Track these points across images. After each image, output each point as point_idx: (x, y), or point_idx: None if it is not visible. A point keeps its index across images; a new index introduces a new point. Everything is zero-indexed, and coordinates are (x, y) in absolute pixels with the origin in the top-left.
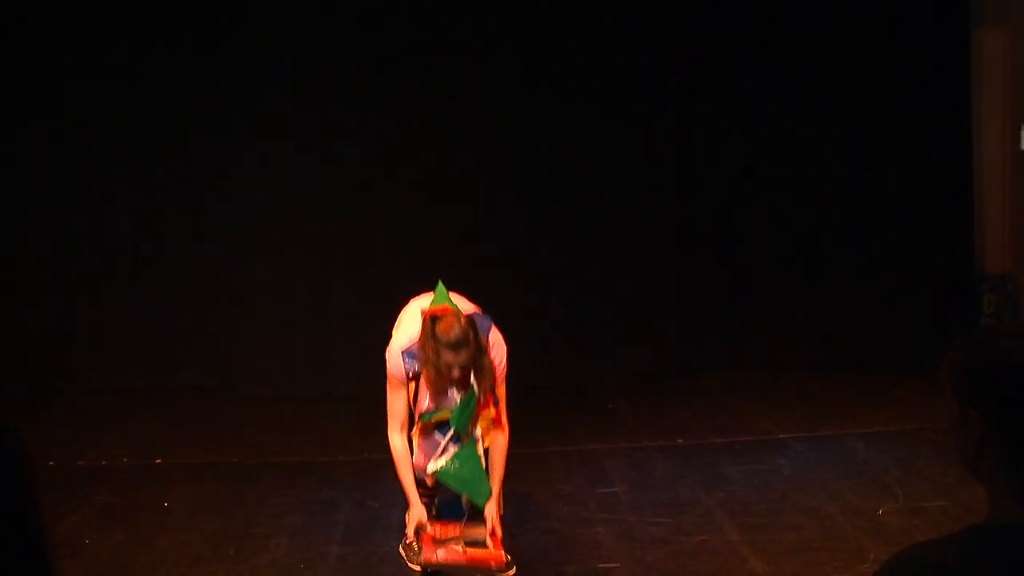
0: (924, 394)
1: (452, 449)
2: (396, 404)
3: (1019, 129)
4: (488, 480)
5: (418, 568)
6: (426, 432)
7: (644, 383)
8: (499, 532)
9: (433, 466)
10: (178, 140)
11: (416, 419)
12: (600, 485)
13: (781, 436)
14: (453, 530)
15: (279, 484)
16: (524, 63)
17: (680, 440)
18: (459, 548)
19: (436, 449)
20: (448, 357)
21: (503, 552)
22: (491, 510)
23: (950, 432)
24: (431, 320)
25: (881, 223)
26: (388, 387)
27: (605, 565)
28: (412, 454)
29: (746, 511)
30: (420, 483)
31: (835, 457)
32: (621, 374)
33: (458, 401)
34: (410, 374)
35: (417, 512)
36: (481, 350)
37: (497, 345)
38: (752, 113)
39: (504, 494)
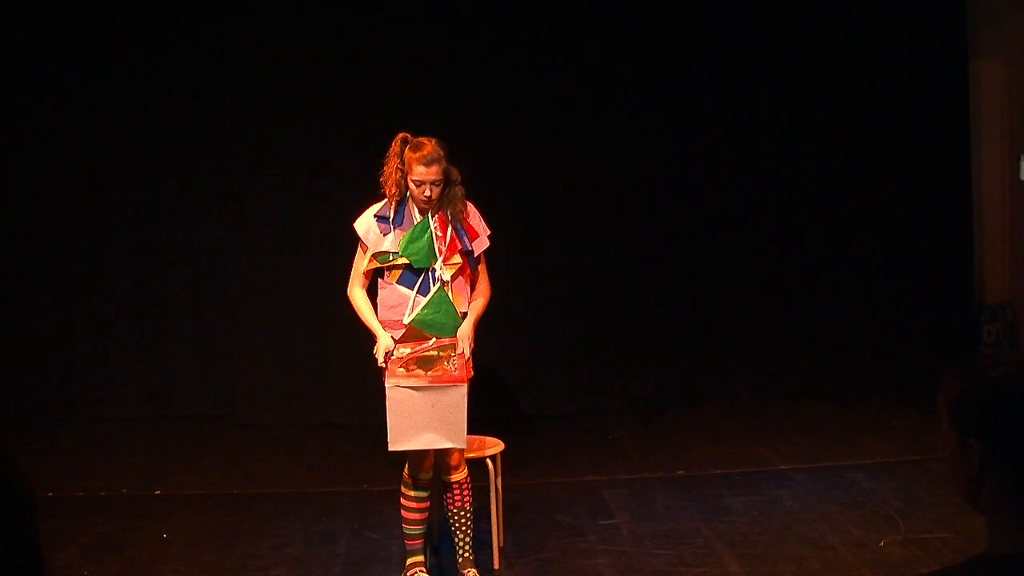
0: (925, 423)
1: (422, 299)
2: (359, 266)
3: (1018, 159)
4: (461, 320)
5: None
6: (391, 287)
7: (645, 412)
8: (467, 353)
9: (408, 318)
10: (178, 165)
11: (374, 264)
12: (600, 516)
13: (782, 467)
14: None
15: (278, 515)
16: (524, 79)
17: (681, 471)
18: (421, 371)
19: (406, 304)
20: (420, 171)
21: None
22: (463, 330)
23: (949, 462)
24: (403, 140)
25: (881, 252)
26: (357, 254)
27: None
28: (378, 312)
29: (747, 542)
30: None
31: (836, 488)
32: (622, 404)
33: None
34: (380, 233)
35: (385, 341)
36: (451, 178)
37: (478, 215)
38: (753, 142)
39: (504, 525)
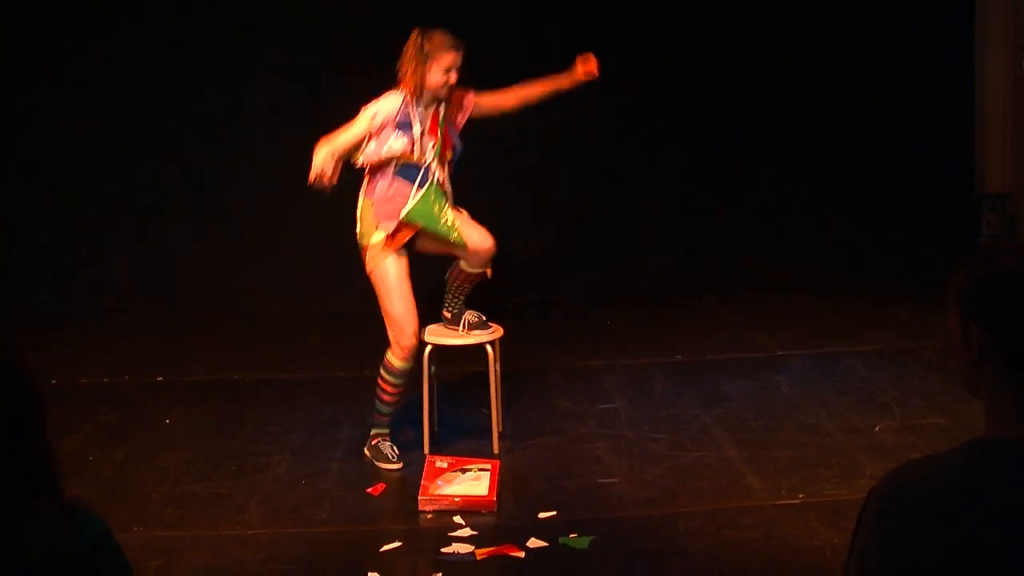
0: (922, 314)
1: (420, 192)
2: (358, 129)
3: (1021, 51)
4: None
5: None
6: (391, 179)
7: (644, 301)
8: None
9: (405, 211)
10: (177, 68)
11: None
12: (599, 401)
13: (780, 353)
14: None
15: (280, 402)
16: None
17: (679, 356)
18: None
19: (405, 198)
20: (451, 57)
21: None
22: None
23: (950, 348)
24: (420, 33)
25: (880, 142)
26: (358, 118)
27: (604, 480)
28: (375, 202)
29: (744, 428)
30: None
31: (833, 375)
32: (620, 292)
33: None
34: (395, 119)
35: (322, 156)
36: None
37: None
38: (751, 39)
39: (503, 410)
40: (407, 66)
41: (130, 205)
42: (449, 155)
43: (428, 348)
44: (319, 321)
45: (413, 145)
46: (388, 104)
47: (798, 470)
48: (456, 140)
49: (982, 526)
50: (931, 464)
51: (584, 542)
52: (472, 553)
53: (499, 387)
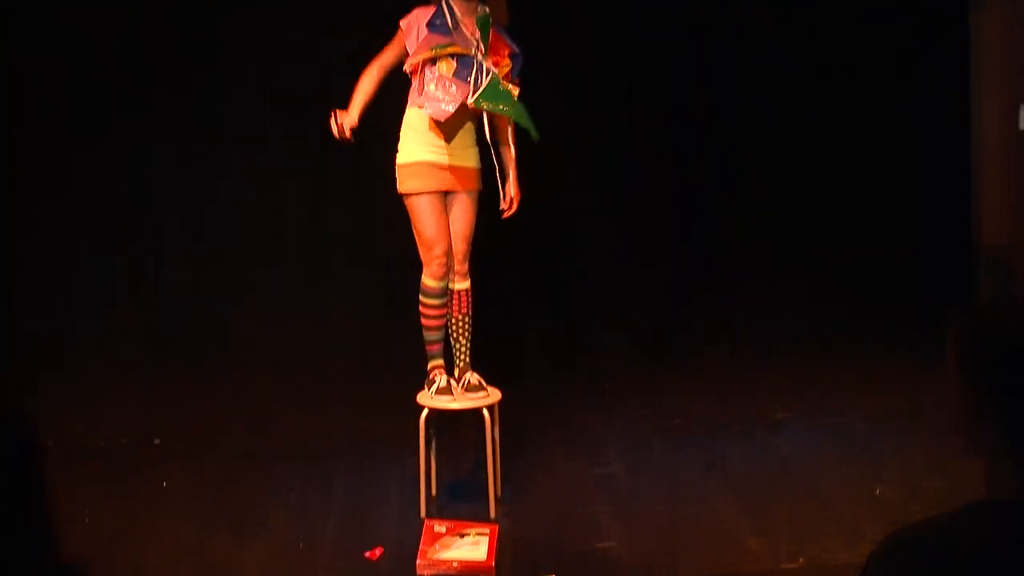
0: (921, 371)
1: (483, 84)
2: (395, 46)
3: (1018, 108)
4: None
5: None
6: (442, 75)
7: (643, 361)
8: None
9: (472, 97)
10: (177, 133)
11: (427, 52)
12: (598, 464)
13: (778, 414)
14: None
15: (277, 462)
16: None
17: (678, 420)
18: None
19: (466, 89)
20: None
21: None
22: (511, 191)
23: (950, 406)
24: None
25: (878, 199)
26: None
27: (603, 544)
28: (427, 103)
29: (743, 490)
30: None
31: (833, 435)
32: (618, 352)
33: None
34: (429, 21)
35: (349, 118)
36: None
37: None
38: (752, 86)
39: (501, 473)
40: None
41: (130, 259)
42: (507, 57)
43: (425, 412)
44: (317, 383)
45: (455, 40)
46: (418, 13)
47: (798, 533)
48: (510, 42)
49: None
50: (931, 526)
51: None
52: None
53: (497, 451)
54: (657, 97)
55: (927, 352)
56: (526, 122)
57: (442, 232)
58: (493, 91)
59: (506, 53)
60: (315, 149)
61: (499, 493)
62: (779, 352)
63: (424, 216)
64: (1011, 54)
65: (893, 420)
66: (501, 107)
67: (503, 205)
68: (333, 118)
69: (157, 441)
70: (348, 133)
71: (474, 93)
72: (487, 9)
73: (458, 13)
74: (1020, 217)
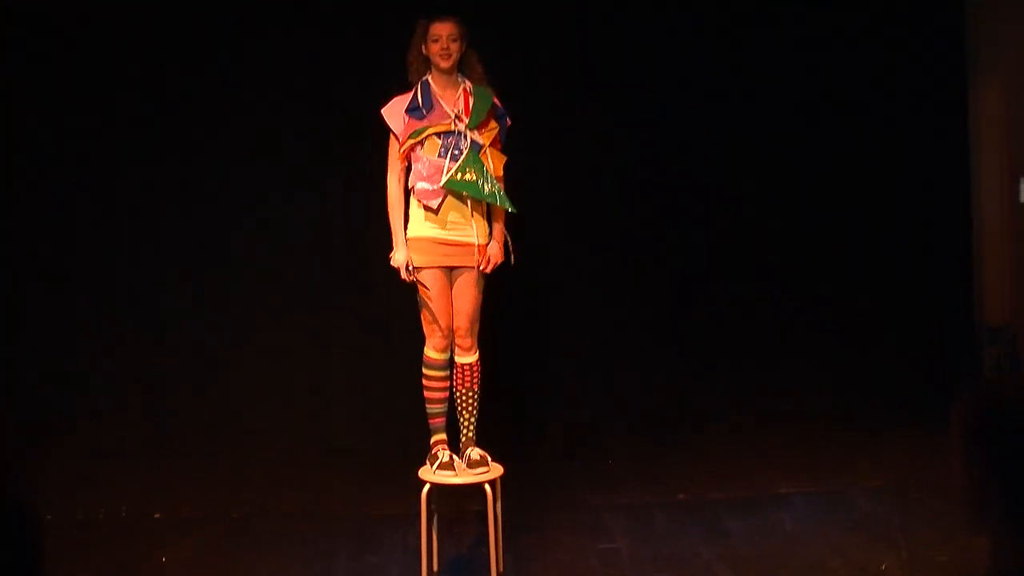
0: (925, 446)
1: (454, 164)
2: (395, 154)
3: (1018, 181)
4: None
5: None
6: (424, 159)
7: (645, 435)
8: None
9: (444, 179)
10: (179, 197)
11: (408, 141)
12: (601, 540)
13: (782, 490)
14: None
15: (277, 536)
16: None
17: (681, 495)
18: None
19: (440, 171)
20: (436, 27)
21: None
22: (493, 250)
23: (954, 482)
24: (420, 23)
25: (880, 274)
26: (391, 144)
27: None
28: (415, 187)
29: (747, 566)
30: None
31: (837, 511)
32: (621, 427)
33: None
34: (407, 120)
35: (399, 256)
36: (466, 41)
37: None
38: (754, 162)
39: (504, 548)
40: (410, 57)
41: (131, 333)
42: (494, 120)
43: (427, 487)
44: (319, 455)
45: (432, 118)
46: (397, 101)
47: None
48: (495, 107)
49: None
50: None
51: None
52: None
53: (499, 526)
54: (655, 174)
55: (930, 426)
56: (499, 201)
57: (444, 307)
58: (467, 168)
59: (492, 115)
60: (316, 220)
61: (501, 568)
62: (782, 427)
63: (426, 290)
64: (1011, 126)
65: (897, 494)
66: (467, 190)
67: (480, 260)
68: (401, 272)
69: (157, 515)
70: (413, 270)
71: (447, 173)
72: (490, 89)
73: (436, 89)
74: (1022, 293)
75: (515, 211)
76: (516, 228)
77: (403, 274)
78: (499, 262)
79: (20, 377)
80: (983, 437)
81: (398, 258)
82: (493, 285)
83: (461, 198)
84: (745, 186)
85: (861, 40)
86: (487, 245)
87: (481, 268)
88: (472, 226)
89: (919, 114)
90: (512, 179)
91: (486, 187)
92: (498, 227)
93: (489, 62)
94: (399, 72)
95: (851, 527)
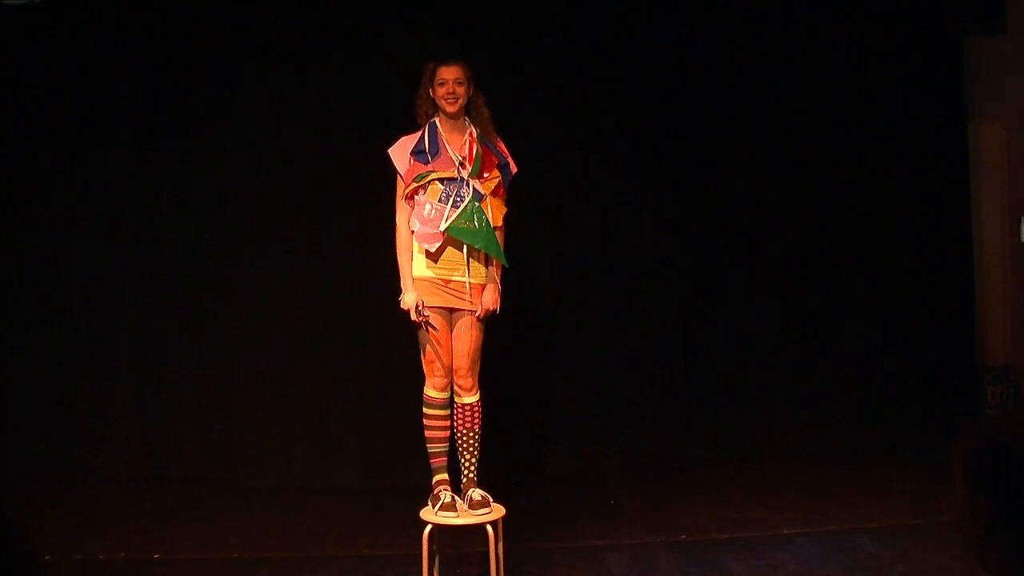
0: (929, 486)
1: (455, 212)
2: (402, 196)
3: (1019, 221)
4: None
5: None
6: (426, 203)
7: (647, 476)
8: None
9: (444, 224)
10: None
11: (412, 184)
12: None
13: (785, 531)
14: None
15: None
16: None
17: (683, 536)
18: None
19: (440, 216)
20: (442, 71)
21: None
22: (487, 298)
23: (959, 522)
24: (428, 66)
25: (882, 314)
26: (398, 186)
27: None
28: (416, 229)
29: None
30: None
31: (840, 552)
32: (623, 467)
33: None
34: (412, 162)
35: (412, 298)
36: (476, 100)
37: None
38: (755, 203)
39: None
40: (418, 100)
41: (130, 374)
42: (495, 168)
43: (428, 527)
44: (319, 496)
45: (436, 164)
46: (404, 141)
47: None
48: (497, 153)
49: None
50: None
51: None
52: None
53: (501, 567)
54: (655, 222)
55: (933, 466)
56: (494, 251)
57: (443, 347)
58: (467, 216)
59: (495, 164)
60: (316, 266)
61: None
62: (785, 468)
63: (435, 332)
64: (1012, 167)
65: (901, 536)
66: (466, 238)
67: (473, 303)
68: (411, 313)
69: (157, 556)
70: (424, 311)
71: (447, 220)
72: (495, 136)
73: (443, 133)
74: (1022, 334)
75: (507, 266)
76: (521, 273)
77: (413, 315)
78: (492, 309)
79: (19, 419)
80: (985, 473)
81: (408, 300)
82: (494, 326)
83: (459, 243)
84: (749, 225)
85: (863, 85)
86: (482, 287)
87: (475, 314)
88: (468, 269)
89: (921, 155)
90: (515, 220)
91: (484, 237)
92: (492, 273)
93: (491, 83)
94: (406, 111)
95: (854, 569)
